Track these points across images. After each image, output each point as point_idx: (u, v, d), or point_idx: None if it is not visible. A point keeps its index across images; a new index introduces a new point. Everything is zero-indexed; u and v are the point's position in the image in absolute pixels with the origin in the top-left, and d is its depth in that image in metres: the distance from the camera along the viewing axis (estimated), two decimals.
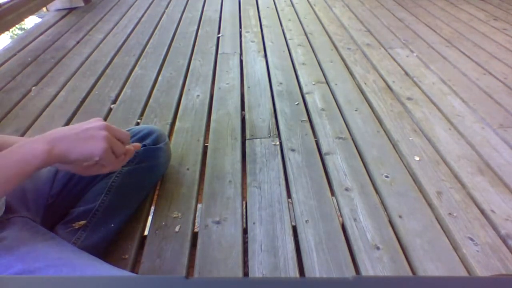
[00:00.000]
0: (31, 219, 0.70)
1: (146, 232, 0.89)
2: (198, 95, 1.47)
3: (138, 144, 0.73)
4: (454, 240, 0.85)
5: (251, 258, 0.81)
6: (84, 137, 0.58)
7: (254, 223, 0.90)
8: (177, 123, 1.30)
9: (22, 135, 1.25)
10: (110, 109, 1.39)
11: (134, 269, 0.80)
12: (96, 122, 0.61)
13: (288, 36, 2.03)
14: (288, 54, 1.83)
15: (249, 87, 1.53)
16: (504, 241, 0.85)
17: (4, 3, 2.00)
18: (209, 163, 1.10)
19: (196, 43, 1.97)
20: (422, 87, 1.49)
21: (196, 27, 2.19)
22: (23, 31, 3.42)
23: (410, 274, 0.78)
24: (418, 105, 1.36)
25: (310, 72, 1.64)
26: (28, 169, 0.55)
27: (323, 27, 2.14)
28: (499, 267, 0.79)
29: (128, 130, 0.95)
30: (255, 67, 1.70)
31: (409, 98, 1.41)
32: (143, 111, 1.37)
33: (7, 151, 0.55)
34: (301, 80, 1.57)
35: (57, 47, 1.96)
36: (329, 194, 0.99)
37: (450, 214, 0.92)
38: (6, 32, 2.30)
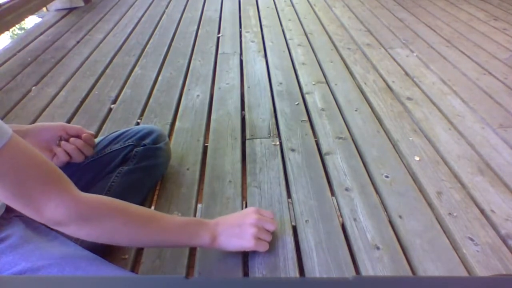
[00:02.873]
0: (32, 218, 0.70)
1: None
2: (198, 95, 1.47)
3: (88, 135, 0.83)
4: (454, 240, 0.85)
5: (251, 258, 0.81)
6: (238, 234, 0.74)
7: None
8: (177, 123, 1.30)
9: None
10: (110, 109, 1.39)
11: (134, 269, 0.80)
12: (249, 217, 0.76)
13: (288, 36, 2.03)
14: (288, 54, 1.83)
15: (249, 87, 1.53)
16: (504, 241, 0.85)
17: (4, 3, 2.00)
18: (209, 163, 1.10)
19: (196, 43, 1.97)
20: (422, 87, 1.49)
21: (196, 27, 2.19)
22: (23, 31, 3.42)
23: (410, 274, 0.78)
24: (418, 105, 1.36)
25: (310, 72, 1.64)
26: (186, 245, 0.79)
27: (323, 27, 2.15)
28: (499, 267, 0.79)
29: (128, 130, 0.95)
30: (255, 67, 1.70)
31: (409, 98, 1.41)
32: (143, 111, 1.37)
33: (182, 223, 0.71)
34: (301, 80, 1.57)
35: (57, 47, 1.97)
36: (329, 194, 0.99)
37: (450, 214, 0.92)
38: (6, 32, 2.30)
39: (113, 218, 0.62)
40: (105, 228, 0.61)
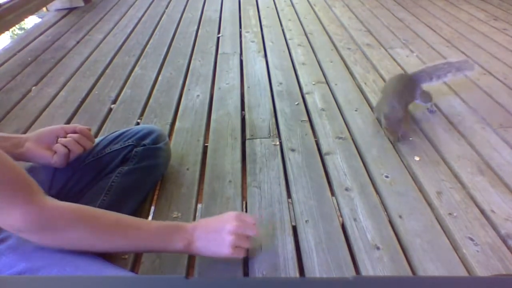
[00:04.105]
0: None
1: None
2: (198, 95, 1.47)
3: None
4: (454, 240, 0.85)
5: (251, 258, 0.81)
6: (215, 241, 0.71)
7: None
8: (177, 123, 1.30)
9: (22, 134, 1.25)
10: (110, 109, 1.39)
11: (134, 269, 0.80)
12: (229, 223, 0.72)
13: (288, 36, 2.03)
14: (288, 54, 1.83)
15: (249, 87, 1.53)
16: (504, 241, 0.85)
17: (4, 3, 2.00)
18: (209, 163, 1.10)
19: (196, 43, 1.97)
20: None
21: (196, 27, 2.19)
22: (23, 31, 3.42)
23: (410, 274, 0.78)
24: (418, 105, 1.36)
25: (310, 72, 1.64)
26: (161, 251, 0.74)
27: (323, 27, 2.14)
28: (499, 267, 0.79)
29: (128, 130, 0.95)
30: (255, 67, 1.70)
31: None
32: (143, 111, 1.37)
33: (155, 228, 0.69)
34: (301, 80, 1.57)
35: (57, 47, 1.97)
36: (329, 194, 0.99)
37: (450, 214, 0.92)
38: (6, 32, 2.31)
39: (78, 227, 0.61)
40: (69, 237, 0.61)
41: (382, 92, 1.31)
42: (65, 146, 0.79)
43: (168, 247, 0.69)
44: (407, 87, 1.23)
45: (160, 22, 2.28)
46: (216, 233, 0.71)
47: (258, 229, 0.76)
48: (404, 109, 1.17)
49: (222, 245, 0.70)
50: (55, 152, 0.78)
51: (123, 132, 0.94)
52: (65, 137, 0.81)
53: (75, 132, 0.82)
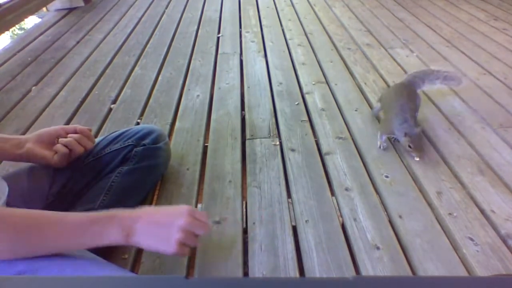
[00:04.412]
0: None
1: None
2: (198, 95, 1.47)
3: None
4: (454, 240, 0.85)
5: (251, 258, 0.81)
6: (160, 236, 0.63)
7: (254, 223, 0.90)
8: (177, 123, 1.30)
9: (22, 135, 1.25)
10: (110, 109, 1.39)
11: (134, 269, 0.80)
12: (179, 218, 0.64)
13: (288, 36, 2.03)
14: (288, 54, 1.83)
15: (249, 87, 1.53)
16: (504, 241, 0.85)
17: (4, 3, 2.00)
18: (209, 163, 1.10)
19: (196, 43, 1.97)
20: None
21: (196, 27, 2.19)
22: (23, 31, 3.42)
23: (410, 274, 0.78)
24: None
25: (310, 72, 1.64)
26: (93, 246, 0.61)
27: (323, 27, 2.14)
28: (499, 267, 0.79)
29: (128, 130, 0.95)
30: (255, 67, 1.70)
31: None
32: (143, 111, 1.37)
33: (82, 220, 0.60)
34: (301, 80, 1.57)
35: (57, 47, 1.97)
36: (329, 194, 0.99)
37: (450, 214, 0.91)
38: (6, 32, 2.30)
39: None
40: None
41: (382, 104, 1.23)
42: (66, 146, 0.79)
43: (99, 241, 0.60)
44: (410, 97, 1.18)
45: (160, 22, 2.28)
46: (162, 227, 0.63)
47: (208, 228, 0.69)
48: (415, 122, 1.15)
49: (167, 242, 0.63)
50: (56, 153, 0.79)
51: (123, 132, 0.94)
52: (66, 137, 0.81)
53: (75, 132, 0.82)
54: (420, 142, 1.08)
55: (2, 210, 0.58)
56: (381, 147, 1.13)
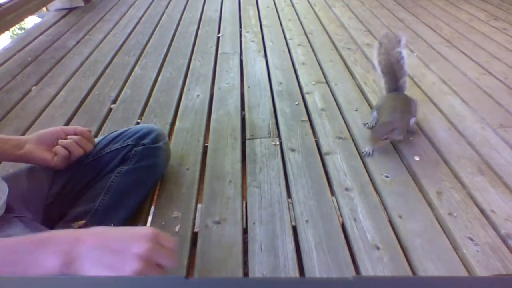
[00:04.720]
0: (32, 219, 0.70)
1: None
2: (198, 95, 1.47)
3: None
4: (454, 240, 0.85)
5: (251, 258, 0.81)
6: (111, 265, 0.49)
7: (254, 223, 0.90)
8: (177, 123, 1.30)
9: (22, 135, 1.25)
10: (110, 109, 1.39)
11: None
12: (138, 244, 0.50)
13: (288, 36, 2.03)
14: (288, 54, 1.83)
15: (249, 87, 1.53)
16: (504, 241, 0.85)
17: (4, 3, 2.00)
18: (209, 163, 1.10)
19: (196, 43, 1.97)
20: (422, 87, 1.48)
21: (196, 27, 2.19)
22: (23, 31, 3.42)
23: (410, 274, 0.78)
24: (418, 105, 1.35)
25: (310, 72, 1.64)
26: (24, 272, 0.48)
27: (323, 27, 2.14)
28: (499, 267, 0.79)
29: (128, 130, 0.95)
30: (255, 67, 1.70)
31: None
32: (143, 111, 1.37)
33: (11, 246, 0.48)
34: (301, 80, 1.57)
35: (57, 47, 1.97)
36: (329, 194, 0.99)
37: (450, 214, 0.91)
38: (6, 32, 2.30)
39: None
40: None
41: (378, 113, 1.18)
42: (66, 148, 0.79)
43: (33, 270, 0.48)
44: (405, 105, 1.15)
45: (160, 22, 2.28)
46: (116, 255, 0.50)
47: (175, 258, 0.55)
48: (407, 129, 1.14)
49: (118, 272, 0.50)
50: (55, 154, 0.78)
51: (123, 132, 0.94)
52: (65, 139, 0.81)
53: (75, 134, 0.82)
54: (381, 133, 1.05)
55: None
56: (367, 154, 1.11)
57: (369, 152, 1.11)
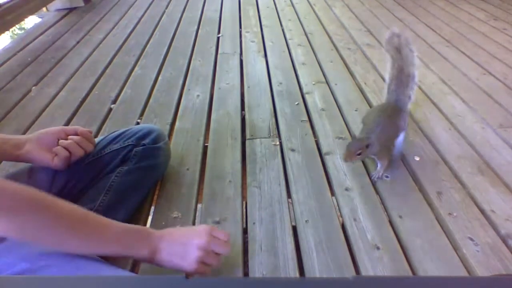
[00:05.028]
0: None
1: None
2: (198, 95, 1.47)
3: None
4: (454, 240, 0.85)
5: (251, 258, 0.81)
6: (181, 254, 0.66)
7: (254, 223, 0.90)
8: (177, 123, 1.30)
9: (22, 135, 1.25)
10: (110, 109, 1.39)
11: (134, 269, 0.80)
12: (198, 237, 0.67)
13: (288, 36, 2.03)
14: (288, 54, 1.83)
15: (249, 87, 1.53)
16: (504, 241, 0.85)
17: (4, 3, 2.00)
18: (209, 163, 1.10)
19: (196, 43, 1.97)
20: (422, 87, 1.48)
21: (196, 27, 2.19)
22: (23, 31, 3.42)
23: (410, 274, 0.78)
24: (418, 105, 1.36)
25: (310, 72, 1.64)
26: (121, 255, 0.65)
27: (323, 27, 2.14)
28: (499, 267, 0.79)
29: (128, 130, 0.95)
30: (255, 67, 1.70)
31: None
32: (143, 111, 1.37)
33: (123, 229, 0.64)
34: (301, 80, 1.57)
35: (57, 47, 1.97)
36: (329, 194, 0.99)
37: (450, 214, 0.91)
38: (6, 32, 2.30)
39: (37, 211, 0.55)
40: (26, 222, 0.54)
41: (364, 125, 1.09)
42: (66, 149, 0.79)
43: (133, 252, 0.65)
44: (391, 119, 1.04)
45: (160, 22, 2.28)
46: (182, 246, 0.67)
47: (230, 248, 0.71)
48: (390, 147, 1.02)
49: (186, 259, 0.66)
50: (56, 154, 0.78)
51: (123, 132, 0.94)
52: (66, 139, 0.80)
53: (76, 134, 0.82)
54: (353, 149, 0.95)
55: (59, 200, 0.59)
56: (378, 178, 1.02)
57: (379, 176, 1.01)
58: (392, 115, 1.05)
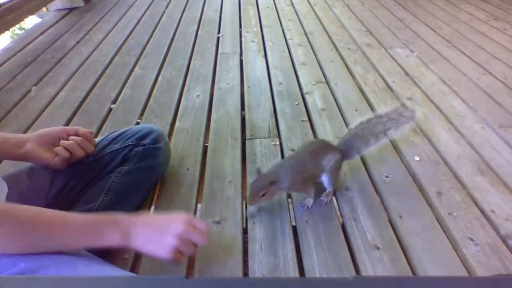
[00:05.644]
0: None
1: None
2: (198, 95, 1.47)
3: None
4: (454, 240, 0.85)
5: (251, 258, 0.81)
6: (156, 241, 0.65)
7: (254, 223, 0.90)
8: (177, 123, 1.30)
9: None
10: (110, 109, 1.39)
11: (134, 269, 0.80)
12: (175, 225, 0.66)
13: (288, 36, 2.03)
14: (288, 54, 1.83)
15: (249, 87, 1.53)
16: (504, 241, 0.85)
17: (4, 3, 2.00)
18: (209, 163, 1.10)
19: (196, 43, 1.97)
20: (422, 87, 1.48)
21: (196, 27, 2.19)
22: (23, 31, 3.42)
23: (410, 274, 0.78)
24: (418, 105, 1.36)
25: (310, 72, 1.64)
26: (94, 246, 0.64)
27: (323, 27, 2.14)
28: (499, 267, 0.79)
29: (128, 130, 0.95)
30: (255, 67, 1.70)
31: (409, 98, 1.41)
32: (143, 111, 1.37)
33: (85, 220, 0.63)
34: (301, 80, 1.57)
35: (57, 47, 1.96)
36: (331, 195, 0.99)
37: (450, 214, 0.91)
38: (6, 32, 2.30)
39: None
40: None
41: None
42: (67, 149, 0.79)
43: (105, 241, 0.63)
44: (315, 158, 0.92)
45: (160, 22, 2.28)
46: (158, 232, 0.66)
47: (207, 238, 0.69)
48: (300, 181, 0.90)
49: (161, 246, 0.65)
50: (56, 154, 0.78)
51: (123, 132, 0.94)
52: (67, 139, 0.80)
53: (76, 135, 0.82)
54: (257, 188, 0.84)
55: (10, 206, 0.59)
56: (307, 207, 0.93)
57: (308, 206, 0.92)
58: (318, 153, 0.92)
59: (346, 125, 1.27)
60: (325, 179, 0.94)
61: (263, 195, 0.85)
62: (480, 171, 1.05)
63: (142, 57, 1.82)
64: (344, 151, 0.97)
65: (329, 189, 0.95)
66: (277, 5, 2.55)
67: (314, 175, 0.93)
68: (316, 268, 0.79)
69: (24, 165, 0.82)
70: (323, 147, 0.96)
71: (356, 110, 1.34)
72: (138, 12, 2.45)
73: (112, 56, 1.82)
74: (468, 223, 0.89)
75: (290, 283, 0.28)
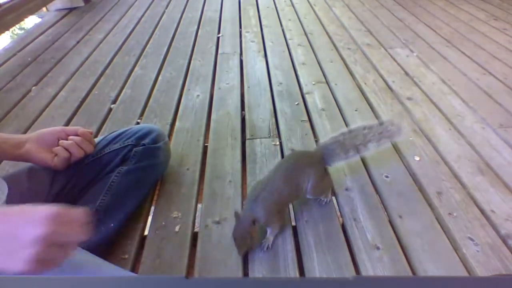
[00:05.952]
0: None
1: (146, 232, 0.89)
2: (198, 95, 1.47)
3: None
4: (454, 240, 0.85)
5: (251, 258, 0.81)
6: (4, 250, 0.43)
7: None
8: (177, 123, 1.30)
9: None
10: (110, 109, 1.39)
11: (134, 269, 0.80)
12: (32, 228, 0.43)
13: (288, 36, 2.03)
14: (288, 54, 1.83)
15: (249, 87, 1.53)
16: (504, 241, 0.85)
17: (4, 3, 2.00)
18: (209, 163, 1.10)
19: (196, 43, 1.97)
20: (422, 87, 1.48)
21: (196, 27, 2.19)
22: (23, 31, 3.42)
23: (410, 274, 0.78)
24: (418, 105, 1.36)
25: (310, 72, 1.64)
26: None
27: (323, 27, 2.14)
28: (499, 267, 0.79)
29: (127, 130, 0.95)
30: (255, 67, 1.70)
31: (409, 98, 1.41)
32: (143, 111, 1.37)
33: None
34: (301, 80, 1.57)
35: (57, 47, 1.97)
36: (329, 194, 0.99)
37: (450, 214, 0.91)
38: (6, 32, 2.30)
39: None
40: None
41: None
42: (67, 150, 0.79)
43: None
44: (291, 175, 0.84)
45: (160, 22, 2.28)
46: (6, 238, 0.43)
47: (87, 235, 0.48)
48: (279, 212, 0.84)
49: (12, 258, 0.43)
50: (56, 155, 0.78)
51: (123, 132, 0.94)
52: (66, 139, 0.80)
53: (76, 135, 0.82)
54: (242, 235, 0.78)
55: None
56: (266, 247, 0.83)
57: (269, 245, 0.83)
58: (292, 176, 0.83)
59: (346, 125, 1.27)
60: (312, 196, 0.90)
61: (250, 241, 0.78)
62: (480, 171, 1.05)
63: (142, 57, 1.82)
64: (325, 155, 0.91)
65: (325, 200, 0.93)
66: (277, 5, 2.55)
67: (295, 198, 0.89)
68: (316, 268, 0.79)
69: (24, 165, 0.82)
70: (298, 166, 0.85)
71: (356, 110, 1.34)
72: (138, 12, 2.45)
73: (112, 56, 1.82)
74: (468, 223, 0.89)
75: (290, 283, 0.28)
